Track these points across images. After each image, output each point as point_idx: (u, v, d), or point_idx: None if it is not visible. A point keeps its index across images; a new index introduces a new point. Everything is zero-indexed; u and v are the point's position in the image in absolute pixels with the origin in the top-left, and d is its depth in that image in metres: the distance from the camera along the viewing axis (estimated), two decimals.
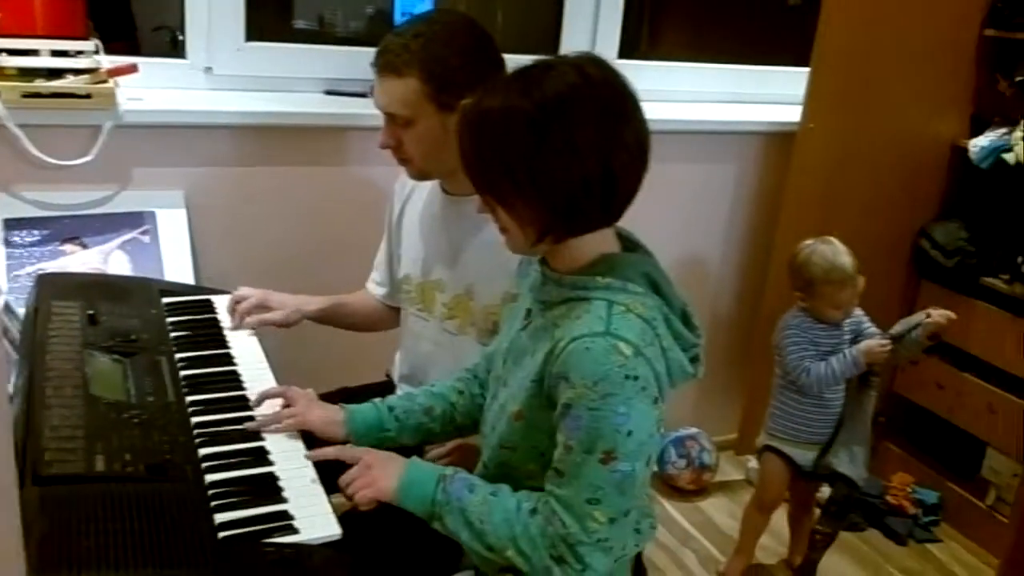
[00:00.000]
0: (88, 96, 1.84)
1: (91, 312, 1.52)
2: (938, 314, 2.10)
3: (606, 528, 1.13)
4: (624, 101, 1.15)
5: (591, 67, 1.14)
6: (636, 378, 1.10)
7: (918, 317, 2.12)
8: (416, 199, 1.75)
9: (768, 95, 2.80)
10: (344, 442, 1.38)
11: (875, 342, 2.12)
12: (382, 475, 1.23)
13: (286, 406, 1.39)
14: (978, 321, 2.57)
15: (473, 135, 1.15)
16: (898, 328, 2.14)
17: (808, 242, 2.19)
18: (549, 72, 1.13)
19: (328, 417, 1.39)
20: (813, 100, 2.46)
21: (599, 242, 1.21)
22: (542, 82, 1.12)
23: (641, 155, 1.16)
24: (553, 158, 1.10)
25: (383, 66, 1.50)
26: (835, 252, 2.14)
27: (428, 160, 1.57)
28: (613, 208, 1.17)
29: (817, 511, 2.43)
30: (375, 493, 1.22)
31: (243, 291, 1.72)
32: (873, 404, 2.21)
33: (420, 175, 1.64)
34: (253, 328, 1.66)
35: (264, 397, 1.42)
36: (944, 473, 2.75)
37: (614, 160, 1.12)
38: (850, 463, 2.17)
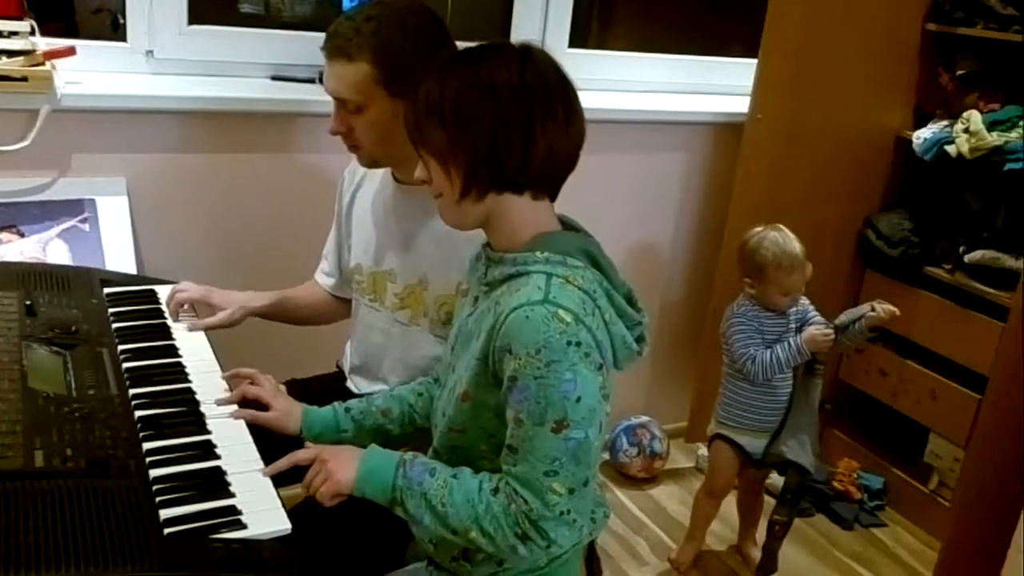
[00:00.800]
0: (24, 79, 1.78)
1: (29, 302, 1.47)
2: (882, 309, 2.13)
3: (566, 499, 1.13)
4: (559, 85, 1.19)
5: (532, 50, 1.20)
6: (579, 344, 1.11)
7: (863, 309, 2.15)
8: (367, 187, 1.72)
9: (717, 86, 2.82)
10: (295, 437, 1.37)
11: (819, 331, 2.15)
12: (339, 467, 1.20)
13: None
14: (921, 310, 2.63)
15: (416, 105, 1.19)
16: (842, 318, 2.17)
17: (758, 229, 2.22)
18: (494, 53, 1.19)
19: (287, 408, 1.38)
20: (761, 91, 2.48)
21: (538, 220, 1.22)
22: (486, 61, 1.18)
23: (570, 133, 1.19)
24: (481, 114, 1.15)
25: (333, 50, 1.48)
26: (785, 239, 2.17)
27: (379, 147, 1.55)
28: (531, 170, 1.18)
29: (766, 497, 2.46)
30: (335, 486, 1.20)
31: (183, 285, 1.67)
32: (819, 392, 2.23)
33: (371, 162, 1.62)
34: (196, 330, 1.60)
35: (235, 376, 1.42)
36: (888, 458, 2.81)
37: (536, 127, 1.15)
38: (800, 450, 2.20)
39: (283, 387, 1.44)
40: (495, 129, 1.15)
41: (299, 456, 1.24)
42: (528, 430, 1.12)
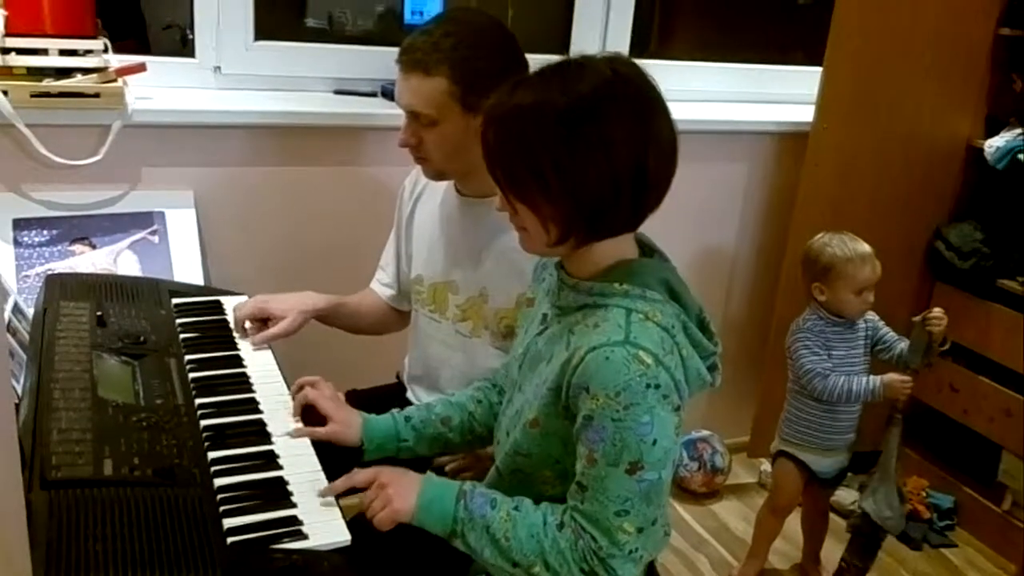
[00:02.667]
0: (97, 95, 1.83)
1: (100, 313, 1.51)
2: (933, 318, 2.07)
3: (635, 538, 1.11)
4: (656, 101, 1.13)
5: (623, 66, 1.12)
6: (658, 387, 1.08)
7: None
8: (428, 199, 1.73)
9: (780, 95, 2.78)
10: (357, 448, 1.37)
11: (898, 377, 2.08)
12: (398, 494, 1.18)
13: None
14: (994, 324, 2.55)
15: (501, 130, 1.12)
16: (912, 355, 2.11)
17: (820, 235, 2.18)
18: (582, 69, 1.11)
19: (347, 418, 1.37)
20: (826, 100, 2.43)
21: (618, 247, 1.18)
22: (576, 79, 1.09)
23: (672, 156, 1.14)
24: (585, 155, 1.08)
25: (410, 64, 1.48)
26: (852, 237, 2.14)
27: (448, 161, 1.55)
28: (641, 211, 1.15)
29: (832, 515, 2.41)
30: (392, 514, 1.17)
31: (238, 302, 1.68)
32: (898, 441, 2.14)
33: (437, 175, 1.62)
34: (260, 344, 1.60)
35: (300, 385, 1.42)
36: (959, 477, 2.72)
37: (647, 160, 1.10)
38: (883, 506, 2.14)
39: (341, 395, 1.44)
40: (601, 181, 1.08)
41: (357, 479, 1.22)
42: (601, 470, 1.10)
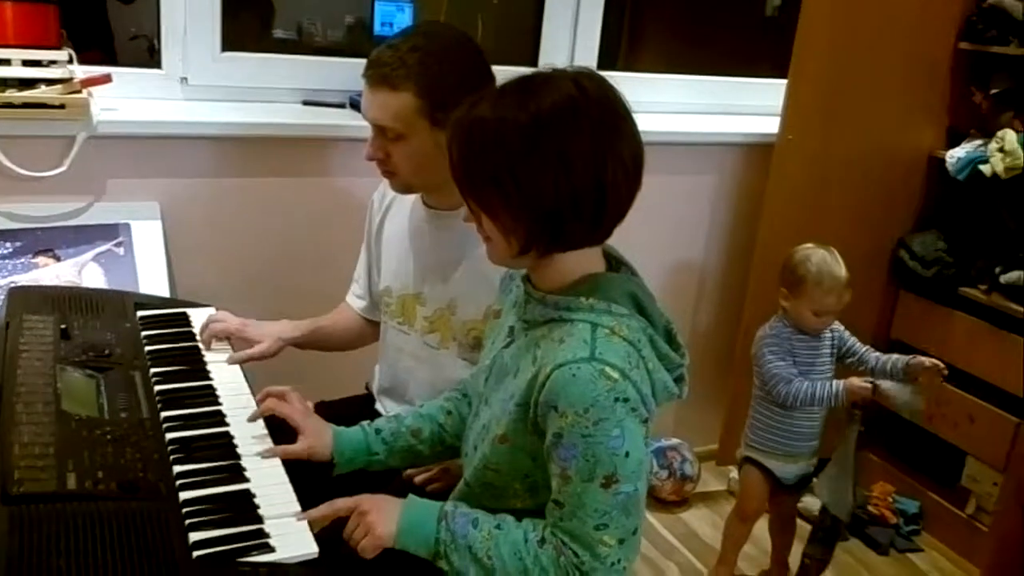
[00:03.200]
0: (61, 107, 1.82)
1: (64, 326, 1.49)
2: (929, 361, 2.13)
3: (616, 550, 1.11)
4: (620, 117, 1.13)
5: (587, 80, 1.12)
6: (626, 400, 1.09)
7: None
8: (396, 212, 1.73)
9: (748, 106, 2.81)
10: (328, 462, 1.36)
11: (858, 382, 2.11)
12: (379, 520, 1.18)
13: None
14: (957, 331, 2.59)
15: (464, 142, 1.13)
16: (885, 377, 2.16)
17: (808, 245, 2.20)
18: (545, 84, 1.11)
19: (317, 431, 1.37)
20: (792, 111, 2.46)
21: (584, 261, 1.18)
22: (539, 93, 1.10)
23: (635, 173, 1.14)
24: (543, 170, 1.08)
25: (377, 79, 1.48)
26: (833, 260, 2.16)
27: (415, 175, 1.55)
28: (602, 226, 1.15)
29: (799, 521, 2.43)
30: (376, 541, 1.18)
31: (220, 315, 1.67)
32: (856, 438, 2.16)
33: (405, 189, 1.62)
34: (235, 363, 1.59)
35: (267, 394, 1.40)
36: (924, 482, 2.76)
37: (607, 175, 1.10)
38: (837, 499, 2.17)
39: (310, 405, 1.44)
40: (559, 193, 1.08)
41: (338, 506, 1.22)
42: (576, 486, 1.10)
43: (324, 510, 1.21)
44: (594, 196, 1.10)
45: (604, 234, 1.18)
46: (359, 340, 1.87)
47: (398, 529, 1.18)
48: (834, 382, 2.14)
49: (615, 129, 1.12)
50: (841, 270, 2.14)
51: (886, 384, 2.11)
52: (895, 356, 2.21)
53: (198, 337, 1.63)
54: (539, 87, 1.11)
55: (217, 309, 1.73)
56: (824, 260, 2.15)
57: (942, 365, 2.13)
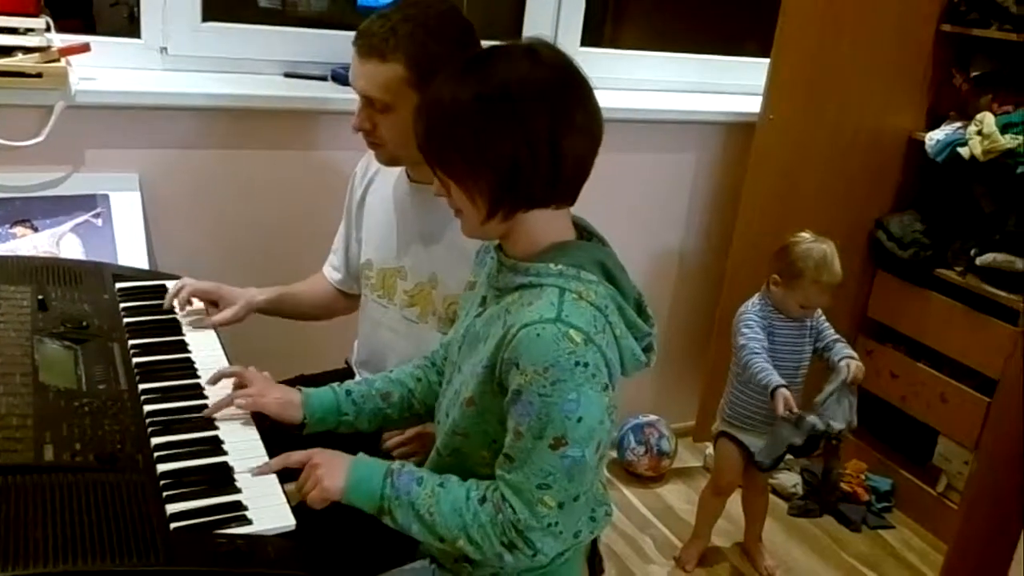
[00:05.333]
0: (39, 75, 1.80)
1: (41, 297, 1.49)
2: (855, 365, 2.16)
3: (555, 513, 1.14)
4: (572, 80, 1.17)
5: (542, 48, 1.17)
6: (586, 365, 1.11)
7: (836, 379, 2.17)
8: (379, 184, 1.73)
9: (731, 85, 2.81)
10: (300, 425, 1.38)
11: (784, 408, 2.08)
12: (328, 474, 1.21)
13: (240, 387, 1.38)
14: (932, 312, 2.62)
15: (425, 119, 1.17)
16: (822, 396, 2.17)
17: (808, 236, 2.21)
18: (499, 55, 1.17)
19: (285, 399, 1.38)
20: (773, 91, 2.47)
21: (554, 229, 1.21)
22: (492, 65, 1.15)
23: (591, 138, 1.18)
24: (499, 130, 1.12)
25: (366, 49, 1.48)
26: (833, 257, 2.18)
27: (402, 147, 1.55)
28: (560, 185, 1.18)
29: (770, 495, 2.46)
30: (323, 493, 1.21)
31: (188, 280, 1.67)
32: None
33: (391, 161, 1.62)
34: (204, 326, 1.61)
35: (220, 376, 1.40)
36: (897, 460, 2.80)
37: (560, 136, 1.13)
38: (834, 412, 2.17)
39: (267, 374, 1.43)
40: (517, 149, 1.12)
41: (292, 459, 1.25)
42: (527, 443, 1.13)
43: (279, 462, 1.24)
44: (550, 154, 1.14)
45: (567, 193, 1.20)
46: (329, 310, 1.88)
47: (346, 484, 1.21)
48: (774, 379, 2.11)
49: (567, 92, 1.15)
50: (838, 268, 2.17)
51: (811, 418, 2.10)
52: (837, 348, 2.23)
53: (177, 309, 1.63)
54: (494, 59, 1.16)
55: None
56: (825, 258, 2.16)
57: (853, 373, 2.16)
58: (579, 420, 1.11)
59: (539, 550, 1.15)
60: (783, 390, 2.10)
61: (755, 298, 2.26)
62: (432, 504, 1.18)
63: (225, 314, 1.66)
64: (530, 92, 1.13)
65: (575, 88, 1.17)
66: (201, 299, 1.67)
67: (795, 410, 2.09)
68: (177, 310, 1.62)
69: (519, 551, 1.15)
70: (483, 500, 1.17)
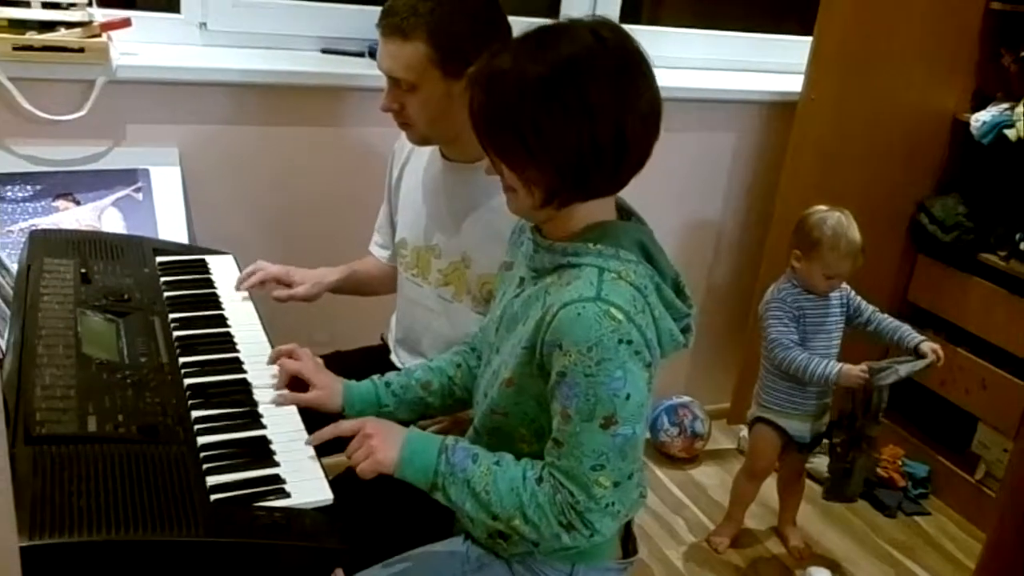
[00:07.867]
0: (81, 50, 1.81)
1: (84, 270, 1.50)
2: (930, 348, 2.14)
3: (611, 492, 1.13)
4: (638, 66, 1.13)
5: (605, 30, 1.13)
6: (630, 342, 1.10)
7: (920, 364, 2.15)
8: (415, 163, 1.73)
9: (771, 64, 2.77)
10: (338, 414, 1.37)
11: (856, 371, 2.09)
12: (381, 445, 1.19)
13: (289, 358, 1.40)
14: (974, 297, 2.58)
15: (484, 96, 1.13)
16: (881, 364, 2.13)
17: (822, 207, 2.19)
18: (564, 34, 1.12)
19: (328, 384, 1.38)
20: (815, 70, 2.43)
21: (596, 210, 1.19)
22: (557, 44, 1.11)
23: (654, 121, 1.15)
24: (565, 121, 1.09)
25: (389, 28, 1.47)
26: (848, 223, 2.15)
27: (431, 126, 1.55)
28: (622, 174, 1.16)
29: (806, 481, 2.45)
30: (375, 465, 1.19)
31: (262, 264, 1.70)
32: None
33: (421, 140, 1.62)
34: (281, 300, 1.66)
35: (278, 354, 1.41)
36: (934, 447, 2.77)
37: (627, 125, 1.11)
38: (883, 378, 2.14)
39: (320, 360, 1.44)
40: (581, 142, 1.09)
41: (343, 427, 1.24)
42: (576, 425, 1.12)
43: (331, 431, 1.23)
44: (615, 146, 1.11)
45: (622, 183, 1.19)
46: (391, 285, 1.86)
47: (400, 457, 1.19)
48: (831, 364, 2.12)
49: (634, 79, 1.12)
50: (856, 234, 2.13)
51: (883, 374, 2.09)
52: (905, 329, 2.21)
53: (216, 284, 1.64)
54: (558, 37, 1.12)
55: (235, 256, 1.75)
56: (840, 223, 2.14)
57: (942, 358, 2.14)
58: (627, 397, 1.11)
59: (598, 531, 1.14)
60: (843, 367, 2.10)
61: (781, 281, 2.23)
62: (488, 482, 1.16)
63: (298, 290, 1.69)
64: (597, 79, 1.09)
65: (641, 75, 1.13)
66: (274, 282, 1.69)
67: (865, 370, 2.09)
68: (219, 291, 1.62)
69: (577, 531, 1.14)
70: (540, 480, 1.16)
